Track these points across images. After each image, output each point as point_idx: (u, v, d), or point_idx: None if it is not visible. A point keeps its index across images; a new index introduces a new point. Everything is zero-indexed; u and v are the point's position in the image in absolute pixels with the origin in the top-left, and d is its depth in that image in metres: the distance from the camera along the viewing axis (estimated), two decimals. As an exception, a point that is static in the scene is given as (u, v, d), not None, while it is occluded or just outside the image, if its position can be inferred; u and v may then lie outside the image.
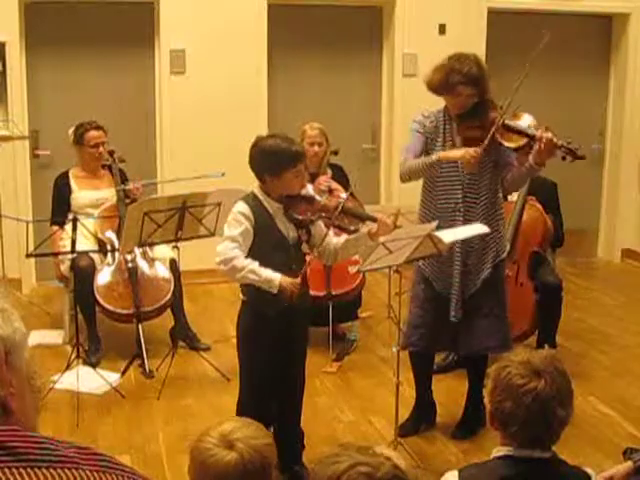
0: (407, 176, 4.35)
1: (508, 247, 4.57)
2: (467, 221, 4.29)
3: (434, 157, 4.24)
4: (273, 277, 3.72)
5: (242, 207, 3.81)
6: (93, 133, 5.86)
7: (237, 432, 2.25)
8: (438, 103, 4.45)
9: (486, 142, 4.13)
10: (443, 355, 5.32)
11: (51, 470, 1.20)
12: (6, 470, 1.17)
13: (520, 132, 4.18)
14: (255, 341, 3.91)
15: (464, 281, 4.37)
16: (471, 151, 4.13)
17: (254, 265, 3.74)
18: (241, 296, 3.97)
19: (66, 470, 1.22)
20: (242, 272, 3.73)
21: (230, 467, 2.21)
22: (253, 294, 3.88)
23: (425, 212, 4.45)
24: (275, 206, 3.84)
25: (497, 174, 4.35)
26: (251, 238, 3.78)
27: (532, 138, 4.12)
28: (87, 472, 1.24)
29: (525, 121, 4.25)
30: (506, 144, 4.22)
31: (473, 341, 4.40)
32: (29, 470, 1.19)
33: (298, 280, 3.76)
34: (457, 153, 4.19)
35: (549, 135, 4.06)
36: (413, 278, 4.60)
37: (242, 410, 3.96)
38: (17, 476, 1.17)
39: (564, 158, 4.14)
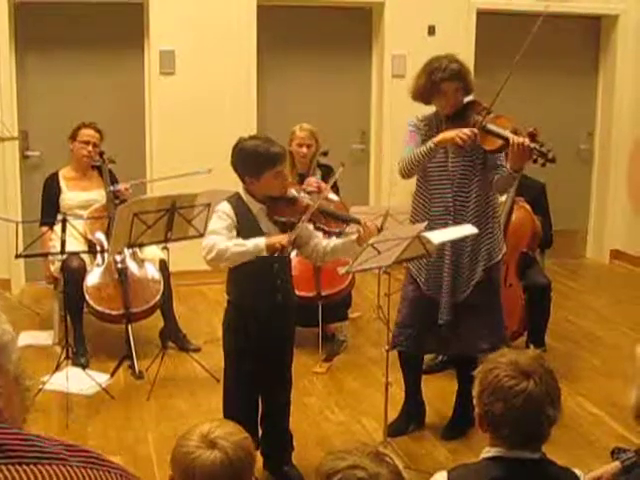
0: (407, 169, 4.33)
1: (505, 249, 4.54)
2: (457, 222, 4.29)
3: (430, 144, 4.22)
4: (258, 241, 3.67)
5: (225, 207, 3.81)
6: (88, 131, 5.91)
7: (216, 431, 2.25)
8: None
9: (476, 130, 4.13)
10: (432, 355, 5.32)
11: (39, 466, 1.20)
12: None
13: (497, 135, 4.17)
14: (240, 341, 3.90)
15: (455, 283, 4.38)
16: (465, 130, 4.14)
17: (237, 239, 3.70)
18: (226, 296, 3.97)
19: (54, 466, 1.22)
20: (228, 252, 3.67)
21: (217, 466, 2.19)
22: (238, 293, 3.89)
23: (417, 214, 4.45)
24: (258, 207, 3.82)
25: (487, 175, 4.35)
26: (235, 233, 3.76)
27: (507, 141, 4.12)
28: (74, 468, 1.24)
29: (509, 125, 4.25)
30: (485, 147, 4.23)
31: (466, 342, 4.40)
32: (17, 467, 1.19)
33: (285, 235, 3.72)
34: (451, 133, 4.17)
35: (521, 139, 4.05)
36: (403, 279, 4.61)
37: (228, 410, 3.97)
38: (5, 472, 1.17)
39: (535, 161, 4.13)
